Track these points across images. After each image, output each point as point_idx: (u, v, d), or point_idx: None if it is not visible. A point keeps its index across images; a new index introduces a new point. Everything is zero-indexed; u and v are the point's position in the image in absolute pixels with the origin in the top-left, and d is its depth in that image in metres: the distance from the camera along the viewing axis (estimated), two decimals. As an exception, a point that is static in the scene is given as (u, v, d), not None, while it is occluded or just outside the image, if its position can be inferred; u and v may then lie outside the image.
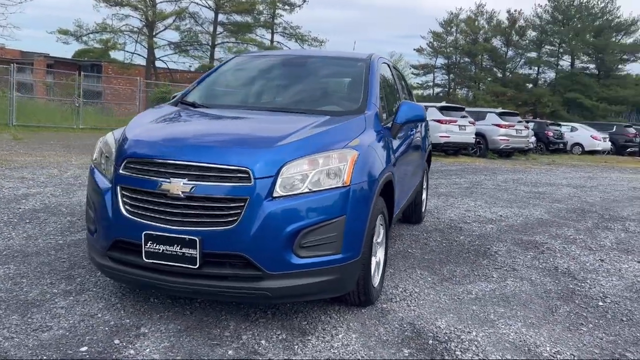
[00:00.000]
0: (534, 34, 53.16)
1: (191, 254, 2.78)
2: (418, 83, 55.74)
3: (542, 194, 9.28)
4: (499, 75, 54.04)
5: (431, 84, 56.62)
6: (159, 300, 3.39)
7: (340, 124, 3.37)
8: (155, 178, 2.87)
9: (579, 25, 50.92)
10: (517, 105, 46.60)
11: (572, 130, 25.94)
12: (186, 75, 40.25)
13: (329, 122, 3.38)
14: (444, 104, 19.83)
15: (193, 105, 3.93)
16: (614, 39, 51.08)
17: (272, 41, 40.25)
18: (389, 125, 3.92)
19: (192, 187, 2.78)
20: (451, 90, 54.69)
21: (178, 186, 2.79)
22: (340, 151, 3.03)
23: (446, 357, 2.83)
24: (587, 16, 51.42)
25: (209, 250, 2.78)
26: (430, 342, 3.01)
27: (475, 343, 3.01)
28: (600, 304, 3.78)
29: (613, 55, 51.22)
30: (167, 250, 2.81)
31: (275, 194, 2.80)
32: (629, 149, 27.28)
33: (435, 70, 55.31)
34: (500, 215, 6.85)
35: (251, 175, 2.78)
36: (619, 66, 53.01)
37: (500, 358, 2.85)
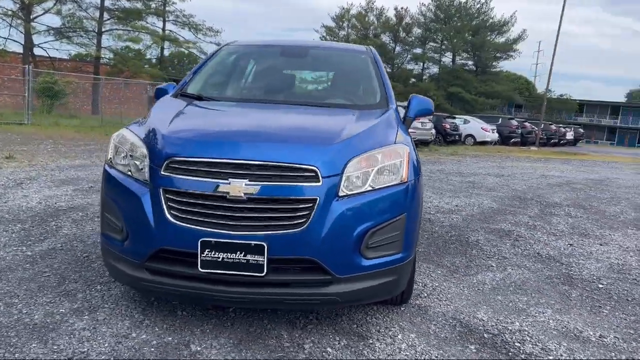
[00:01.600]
0: (419, 31, 56.09)
1: (257, 260, 2.54)
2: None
3: (475, 184, 9.79)
4: (388, 70, 56.29)
5: (324, 77, 57.55)
6: (187, 312, 3.07)
7: (380, 119, 3.25)
8: (209, 179, 2.56)
9: (458, 24, 54.52)
10: (405, 99, 48.83)
11: (465, 123, 27.70)
12: (66, 64, 37.35)
13: (366, 117, 3.25)
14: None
15: (199, 98, 3.57)
16: (489, 38, 55.40)
17: (163, 29, 38.46)
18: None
19: (257, 188, 2.53)
20: (344, 83, 55.92)
21: (240, 187, 2.52)
22: (394, 147, 2.93)
23: (512, 351, 2.85)
24: (466, 16, 55.24)
25: (275, 255, 2.56)
26: (485, 335, 3.02)
27: (526, 333, 3.07)
28: (600, 286, 4.04)
29: (488, 53, 55.63)
30: (228, 258, 2.54)
31: (341, 193, 2.64)
32: (512, 140, 29.78)
33: (328, 63, 56.21)
34: (456, 206, 7.11)
35: (319, 174, 2.59)
36: (494, 63, 57.73)
37: (557, 345, 2.93)
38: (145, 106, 42.69)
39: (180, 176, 2.61)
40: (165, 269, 2.66)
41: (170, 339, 2.74)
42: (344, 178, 2.65)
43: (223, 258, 2.54)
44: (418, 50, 56.22)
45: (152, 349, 2.62)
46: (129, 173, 2.81)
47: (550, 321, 3.28)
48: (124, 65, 35.03)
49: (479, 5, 55.14)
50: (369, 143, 2.86)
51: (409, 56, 56.67)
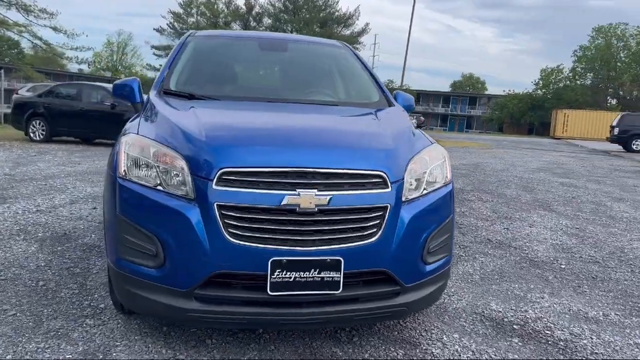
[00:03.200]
0: (269, 21, 56.19)
1: (333, 277, 2.31)
2: (161, 64, 53.88)
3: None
4: (240, 59, 55.74)
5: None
6: (216, 339, 2.70)
7: (403, 119, 3.17)
8: (274, 191, 2.26)
9: (307, 16, 55.72)
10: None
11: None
12: None
13: (389, 116, 3.15)
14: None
15: (191, 97, 3.10)
16: (335, 31, 57.49)
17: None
18: None
19: (327, 199, 2.29)
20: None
21: (311, 199, 2.27)
22: (434, 147, 2.87)
23: (550, 340, 2.95)
24: (314, 8, 56.64)
25: (349, 270, 2.35)
26: (515, 327, 3.10)
27: (546, 320, 3.21)
28: (563, 266, 4.39)
29: (336, 45, 57.76)
30: (300, 277, 2.28)
31: (403, 199, 2.51)
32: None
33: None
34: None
35: (387, 180, 2.43)
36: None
37: (581, 329, 3.11)
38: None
39: (239, 189, 2.26)
40: (221, 296, 2.31)
41: (224, 374, 2.39)
42: (405, 183, 2.52)
43: (295, 277, 2.28)
44: (269, 41, 56.42)
45: (215, 391, 2.26)
46: (159, 187, 2.38)
47: (555, 305, 3.47)
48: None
49: (324, -2, 56.90)
50: (416, 145, 2.77)
51: (260, 46, 56.64)
